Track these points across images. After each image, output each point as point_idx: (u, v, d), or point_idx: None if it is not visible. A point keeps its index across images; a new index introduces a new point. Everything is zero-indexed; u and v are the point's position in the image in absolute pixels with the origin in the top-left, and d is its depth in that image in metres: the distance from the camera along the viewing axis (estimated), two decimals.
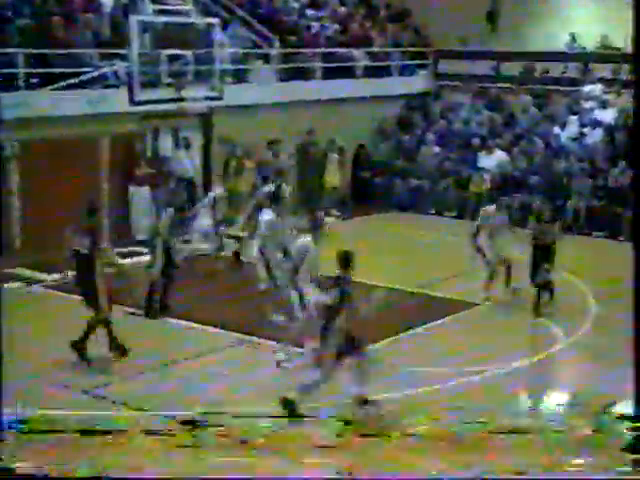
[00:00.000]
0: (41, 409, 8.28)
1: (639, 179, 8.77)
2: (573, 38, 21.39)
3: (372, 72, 20.63)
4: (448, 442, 7.82)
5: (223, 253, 14.22)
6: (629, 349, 7.66)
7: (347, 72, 20.03)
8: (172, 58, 15.31)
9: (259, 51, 18.78)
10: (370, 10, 23.15)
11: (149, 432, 7.96)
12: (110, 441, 7.81)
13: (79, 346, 9.94)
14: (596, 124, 18.85)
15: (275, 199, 11.92)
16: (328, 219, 17.01)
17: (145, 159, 15.85)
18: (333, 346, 8.43)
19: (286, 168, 14.59)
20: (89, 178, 15.00)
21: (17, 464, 7.31)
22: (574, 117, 19.40)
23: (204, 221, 14.01)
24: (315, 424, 8.29)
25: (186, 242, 15.40)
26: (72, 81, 14.32)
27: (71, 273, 10.65)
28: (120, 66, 15.12)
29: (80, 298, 10.27)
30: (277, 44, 19.00)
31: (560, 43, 21.57)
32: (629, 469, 7.34)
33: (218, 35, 16.07)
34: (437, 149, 19.79)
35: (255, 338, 10.90)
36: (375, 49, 21.30)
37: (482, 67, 21.74)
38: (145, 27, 15.01)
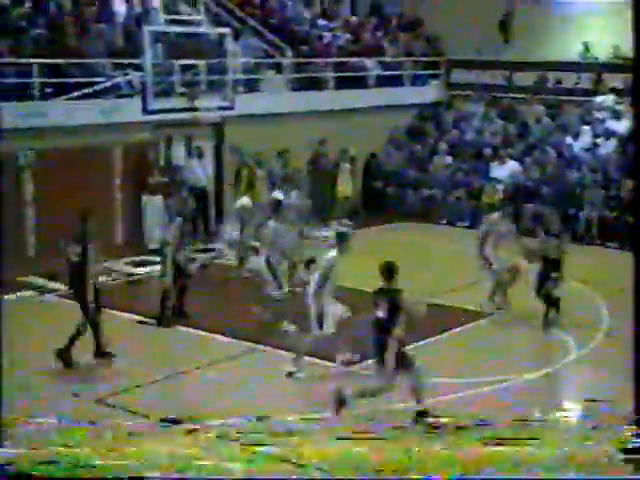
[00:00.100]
0: (51, 417, 8.31)
1: (639, 189, 8.74)
2: (586, 48, 21.36)
3: (384, 82, 20.67)
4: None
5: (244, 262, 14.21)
6: None
7: (359, 82, 20.08)
8: (185, 68, 15.42)
9: (271, 61, 18.85)
10: (382, 20, 23.20)
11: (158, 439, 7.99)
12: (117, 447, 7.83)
13: (64, 355, 10.00)
14: (609, 134, 18.81)
15: (276, 208, 12.00)
16: (340, 229, 17.05)
17: (158, 168, 15.91)
18: (392, 358, 8.42)
19: (294, 177, 14.63)
20: (102, 187, 15.10)
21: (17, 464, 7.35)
22: (587, 127, 19.36)
23: (230, 230, 14.06)
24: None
25: (205, 251, 15.52)
26: (86, 91, 14.41)
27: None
28: (133, 76, 15.20)
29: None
30: (289, 54, 19.07)
31: (573, 53, 21.55)
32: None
33: (230, 45, 16.14)
34: (449, 159, 19.78)
35: (267, 347, 10.92)
36: (387, 59, 21.34)
37: (495, 77, 21.76)
38: (158, 37, 15.12)
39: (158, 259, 12.51)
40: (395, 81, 21.07)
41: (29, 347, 10.37)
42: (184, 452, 7.84)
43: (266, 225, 11.92)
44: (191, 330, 11.56)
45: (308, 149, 18.30)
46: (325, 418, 8.61)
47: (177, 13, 17.10)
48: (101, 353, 10.30)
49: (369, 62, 20.62)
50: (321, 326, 9.88)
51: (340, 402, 8.59)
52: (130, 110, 14.86)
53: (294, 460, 7.70)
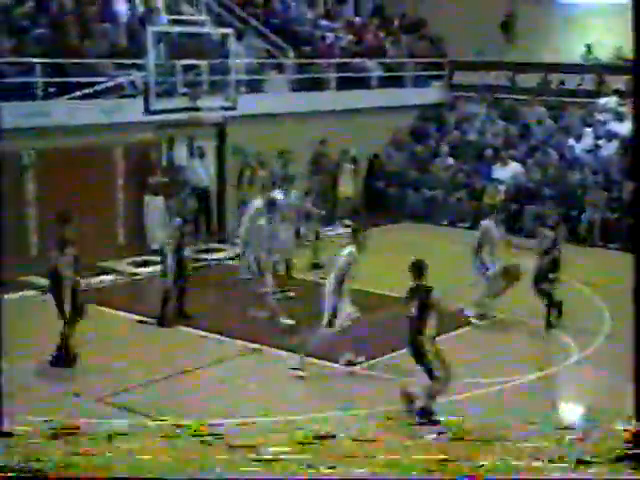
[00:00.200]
0: (51, 416, 8.32)
1: (638, 190, 8.74)
2: (589, 50, 21.35)
3: (386, 83, 20.67)
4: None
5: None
6: None
7: (361, 83, 20.07)
8: (187, 68, 15.41)
9: (273, 61, 18.85)
10: (384, 20, 23.20)
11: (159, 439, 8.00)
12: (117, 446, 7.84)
13: (57, 361, 9.98)
14: (611, 136, 18.80)
15: (269, 207, 12.04)
16: (342, 229, 17.08)
17: (160, 168, 15.90)
18: (431, 353, 8.51)
19: (293, 177, 14.69)
20: (105, 187, 15.09)
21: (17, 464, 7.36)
22: (589, 129, 19.36)
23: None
24: None
25: (206, 251, 15.52)
26: (88, 91, 14.40)
27: None
28: (136, 76, 15.20)
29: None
30: (291, 54, 19.07)
31: (576, 55, 21.54)
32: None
33: (233, 45, 16.14)
34: (451, 160, 19.79)
35: (267, 347, 10.93)
36: (390, 60, 21.33)
37: (497, 78, 21.75)
38: (160, 37, 15.11)
39: (159, 259, 12.52)
40: (397, 82, 21.07)
41: (31, 347, 10.36)
42: (182, 452, 7.87)
43: (257, 223, 11.98)
44: (192, 330, 11.57)
45: (310, 149, 18.29)
46: (326, 418, 8.63)
47: (179, 13, 17.11)
48: (68, 355, 10.19)
49: (371, 63, 20.61)
50: (331, 324, 9.88)
51: (408, 399, 8.67)
52: (132, 110, 14.85)
53: (294, 460, 7.72)
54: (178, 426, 8.18)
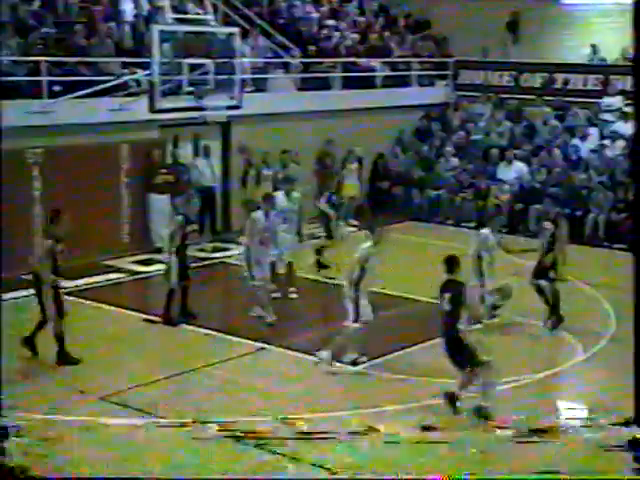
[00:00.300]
0: (57, 414, 8.35)
1: (639, 189, 8.74)
2: (594, 50, 21.33)
3: (392, 82, 20.66)
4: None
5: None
6: None
7: (366, 82, 20.07)
8: (193, 67, 15.42)
9: (279, 60, 18.86)
10: (389, 20, 23.20)
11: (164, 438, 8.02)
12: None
13: (63, 358, 9.99)
14: (616, 136, 18.78)
15: (266, 202, 12.10)
16: (347, 229, 17.08)
17: (165, 167, 15.93)
18: (469, 346, 8.58)
19: (293, 177, 14.73)
20: (110, 185, 15.12)
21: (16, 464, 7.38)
22: (594, 129, 19.34)
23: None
24: None
25: (211, 250, 15.53)
26: (94, 89, 14.42)
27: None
28: (141, 74, 15.22)
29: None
30: (297, 54, 19.08)
31: (581, 55, 21.50)
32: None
33: (238, 44, 16.15)
34: (456, 160, 19.78)
35: (274, 347, 10.94)
36: (395, 59, 21.33)
37: (502, 78, 21.74)
38: (166, 36, 15.12)
39: (162, 258, 12.55)
40: (402, 82, 21.06)
41: (36, 344, 10.36)
42: (186, 451, 7.89)
43: (251, 217, 12.04)
44: (197, 329, 11.58)
45: (315, 149, 18.30)
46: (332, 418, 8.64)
47: (185, 12, 17.13)
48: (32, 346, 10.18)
49: (376, 62, 20.61)
50: (357, 318, 9.93)
51: (451, 400, 8.71)
52: (137, 109, 14.88)
53: (297, 459, 7.74)
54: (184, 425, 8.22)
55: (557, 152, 18.83)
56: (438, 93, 21.99)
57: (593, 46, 21.29)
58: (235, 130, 17.13)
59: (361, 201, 18.99)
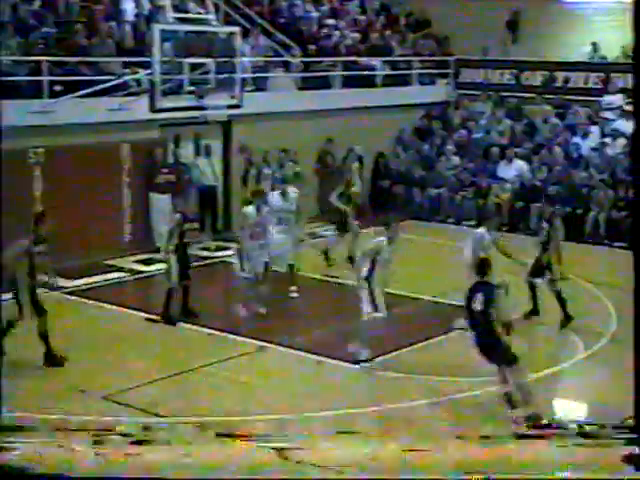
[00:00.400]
0: (57, 414, 8.36)
1: (639, 187, 8.75)
2: (594, 48, 21.32)
3: (392, 81, 20.67)
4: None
5: None
6: None
7: (367, 81, 20.07)
8: (194, 66, 15.43)
9: (279, 60, 18.86)
10: (390, 19, 23.20)
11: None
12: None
13: (49, 359, 9.99)
14: (617, 134, 18.78)
15: (257, 197, 12.19)
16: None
17: (166, 166, 15.94)
18: (504, 345, 8.64)
19: (289, 177, 14.72)
20: (111, 185, 15.14)
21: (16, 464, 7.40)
22: (595, 127, 19.35)
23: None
24: None
25: (212, 249, 15.54)
26: (95, 89, 14.44)
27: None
28: (142, 74, 15.23)
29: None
30: (297, 53, 19.08)
31: (581, 53, 21.50)
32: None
33: (239, 44, 16.15)
34: (457, 158, 19.79)
35: (275, 346, 10.96)
36: (395, 58, 21.33)
37: (503, 76, 21.75)
38: (167, 35, 15.13)
39: (162, 257, 12.55)
40: (403, 80, 21.06)
41: (35, 343, 10.38)
42: (188, 451, 7.91)
43: (242, 211, 12.10)
44: (198, 328, 11.60)
45: (316, 148, 18.31)
46: (331, 416, 8.66)
47: (186, 12, 17.13)
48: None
49: (377, 61, 20.61)
50: (376, 308, 10.02)
51: (510, 401, 8.77)
52: (138, 108, 14.89)
53: (297, 459, 7.75)
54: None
55: (558, 150, 18.84)
56: (439, 92, 21.99)
57: (594, 44, 21.30)
58: (236, 129, 17.14)
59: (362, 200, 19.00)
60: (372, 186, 20.25)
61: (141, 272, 14.40)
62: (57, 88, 14.30)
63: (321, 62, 19.43)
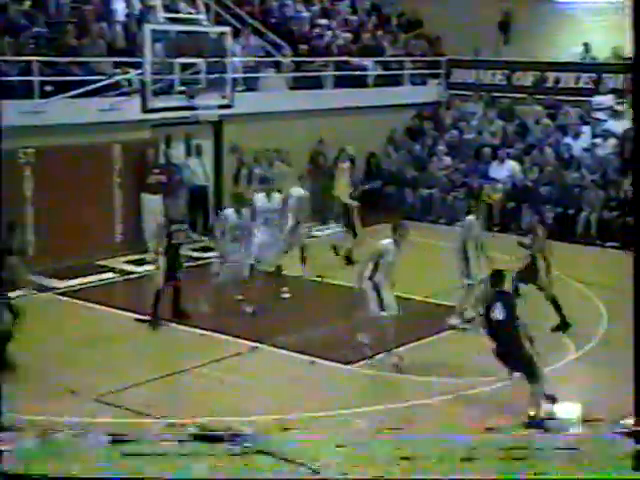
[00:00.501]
0: (48, 415, 8.33)
1: (638, 187, 8.76)
2: (585, 48, 21.37)
3: (384, 81, 20.67)
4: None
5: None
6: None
7: (359, 81, 20.07)
8: (185, 66, 15.41)
9: (270, 60, 18.84)
10: (382, 19, 23.20)
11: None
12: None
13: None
14: (608, 135, 18.82)
15: (237, 200, 12.22)
16: (338, 228, 17.08)
17: (157, 167, 15.91)
18: (526, 354, 8.64)
19: (273, 176, 14.73)
20: (102, 185, 15.10)
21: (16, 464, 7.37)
22: (586, 128, 19.38)
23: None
24: None
25: (203, 249, 15.51)
26: (86, 89, 14.40)
27: None
28: (133, 74, 15.20)
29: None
30: (288, 53, 19.06)
31: (573, 53, 21.53)
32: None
33: (230, 43, 16.14)
34: (448, 159, 19.80)
35: (266, 346, 10.95)
36: (387, 58, 21.34)
37: (494, 77, 21.77)
38: (158, 35, 15.10)
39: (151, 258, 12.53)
40: (395, 81, 21.07)
41: (26, 345, 10.35)
42: (182, 452, 7.89)
43: (220, 214, 12.15)
44: (189, 329, 11.57)
45: (307, 148, 18.30)
46: (325, 417, 8.65)
47: (177, 12, 17.10)
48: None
49: (369, 61, 20.61)
50: (382, 308, 9.99)
51: (552, 400, 8.81)
52: (129, 109, 14.86)
53: (293, 459, 7.75)
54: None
55: (549, 151, 18.87)
56: (430, 92, 22.00)
57: (585, 45, 21.34)
58: (227, 129, 17.12)
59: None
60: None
61: (132, 273, 14.36)
62: (48, 88, 14.26)
63: (312, 62, 19.42)
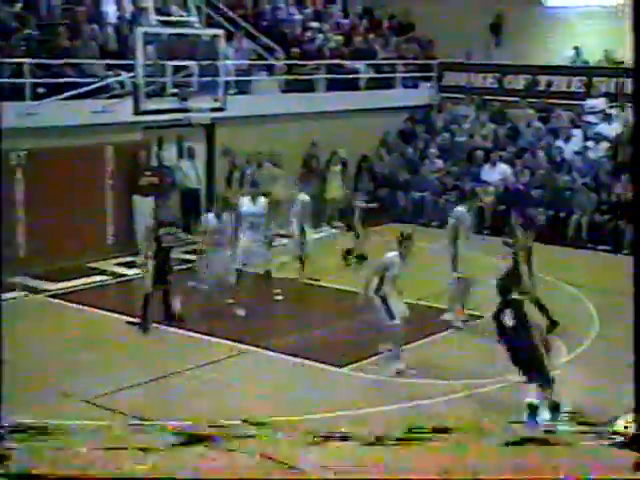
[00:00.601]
0: (40, 417, 8.30)
1: (639, 191, 8.77)
2: (577, 52, 21.44)
3: (376, 84, 20.70)
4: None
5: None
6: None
7: (351, 84, 20.09)
8: (177, 69, 15.41)
9: (263, 63, 18.85)
10: (374, 22, 23.24)
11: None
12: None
13: None
14: (600, 138, 18.88)
15: (223, 204, 12.18)
16: (331, 230, 17.12)
17: (150, 169, 15.89)
18: (538, 360, 8.64)
19: (259, 179, 14.72)
20: (94, 188, 15.08)
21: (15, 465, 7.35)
22: (578, 131, 19.44)
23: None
24: None
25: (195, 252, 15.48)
26: (78, 91, 14.39)
27: None
28: (125, 76, 15.19)
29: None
30: (281, 56, 19.08)
31: (564, 57, 21.61)
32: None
33: (222, 46, 16.15)
34: (440, 162, 19.83)
35: (257, 349, 10.94)
36: (379, 61, 21.37)
37: (486, 80, 21.83)
38: (150, 38, 15.11)
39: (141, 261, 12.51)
40: (386, 84, 21.10)
41: (19, 347, 10.32)
42: (172, 455, 7.88)
43: (201, 218, 12.08)
44: (180, 331, 11.55)
45: (299, 151, 18.30)
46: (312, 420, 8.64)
47: (169, 14, 17.11)
48: None
49: (360, 64, 20.63)
50: (392, 317, 9.97)
51: (555, 407, 8.75)
52: (122, 111, 14.85)
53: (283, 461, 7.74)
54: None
55: (541, 154, 18.92)
56: (422, 95, 22.04)
57: (576, 48, 21.41)
58: (219, 132, 17.12)
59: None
60: (355, 189, 20.19)
61: (124, 275, 14.33)
62: (40, 90, 14.24)
63: (305, 65, 19.44)
